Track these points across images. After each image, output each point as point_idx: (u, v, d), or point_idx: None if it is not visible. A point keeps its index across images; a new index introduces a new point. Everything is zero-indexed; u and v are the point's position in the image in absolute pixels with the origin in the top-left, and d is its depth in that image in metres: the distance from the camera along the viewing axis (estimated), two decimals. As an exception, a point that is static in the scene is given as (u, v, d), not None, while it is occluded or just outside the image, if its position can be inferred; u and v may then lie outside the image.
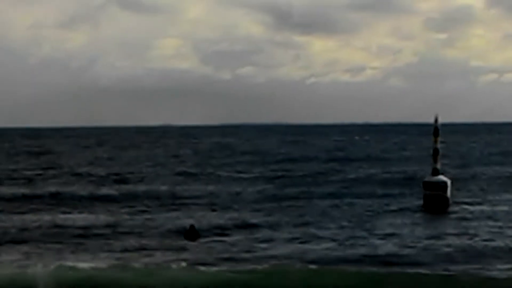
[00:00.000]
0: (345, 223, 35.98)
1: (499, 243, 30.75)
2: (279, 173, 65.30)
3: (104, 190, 52.10)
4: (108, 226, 35.97)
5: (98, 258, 28.21)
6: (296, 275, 25.30)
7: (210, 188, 53.19)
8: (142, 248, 30.20)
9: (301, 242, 31.28)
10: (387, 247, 30.04)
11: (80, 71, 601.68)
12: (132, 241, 31.80)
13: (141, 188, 53.44)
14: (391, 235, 32.72)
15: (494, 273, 25.46)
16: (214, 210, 41.15)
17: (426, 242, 31.19)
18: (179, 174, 66.07)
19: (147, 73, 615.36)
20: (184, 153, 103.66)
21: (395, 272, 25.79)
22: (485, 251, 29.31)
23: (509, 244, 30.42)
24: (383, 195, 47.65)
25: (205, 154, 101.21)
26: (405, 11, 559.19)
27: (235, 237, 32.70)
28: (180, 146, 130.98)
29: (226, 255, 28.68)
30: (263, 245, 30.72)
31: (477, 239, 31.72)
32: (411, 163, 74.72)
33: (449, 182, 41.02)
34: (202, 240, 32.01)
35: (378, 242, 31.13)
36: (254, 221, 37.03)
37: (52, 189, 52.95)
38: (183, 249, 30.13)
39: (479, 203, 43.34)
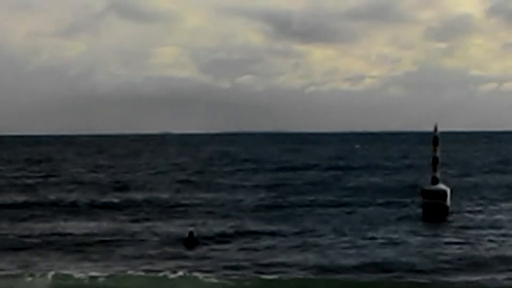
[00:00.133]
0: (345, 232, 35.98)
1: (499, 252, 30.74)
2: (279, 181, 65.31)
3: (104, 198, 52.11)
4: (108, 233, 35.99)
5: (97, 266, 28.22)
6: (295, 284, 25.32)
7: (210, 196, 53.23)
8: (141, 256, 30.21)
9: (301, 251, 31.28)
10: (386, 255, 30.02)
11: (78, 79, 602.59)
12: (131, 249, 31.82)
13: (141, 195, 53.45)
14: (391, 243, 32.73)
15: (494, 282, 25.47)
16: (213, 218, 41.15)
17: (425, 250, 31.20)
18: (179, 182, 66.09)
19: (145, 82, 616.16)
20: (183, 161, 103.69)
21: (395, 281, 25.80)
22: (484, 259, 29.28)
23: (509, 253, 30.42)
24: (383, 203, 47.67)
25: (204, 162, 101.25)
26: (404, 20, 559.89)
27: (234, 245, 32.69)
28: (180, 154, 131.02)
29: (224, 263, 28.68)
30: (262, 253, 30.72)
31: (476, 247, 31.72)
32: (411, 172, 74.78)
33: (448, 191, 41.03)
34: (201, 247, 32.02)
35: (378, 250, 31.13)
36: (253, 229, 37.04)
37: (52, 196, 53.02)
38: (182, 257, 30.13)
39: (479, 212, 43.36)
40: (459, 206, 44.68)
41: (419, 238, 34.25)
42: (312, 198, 51.21)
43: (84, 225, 39.16)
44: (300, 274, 26.64)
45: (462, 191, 52.38)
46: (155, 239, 34.15)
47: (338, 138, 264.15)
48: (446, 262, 28.88)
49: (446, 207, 40.84)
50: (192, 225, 37.28)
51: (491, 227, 37.49)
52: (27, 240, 34.30)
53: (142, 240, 33.95)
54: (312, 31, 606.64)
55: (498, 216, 41.41)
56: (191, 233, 33.32)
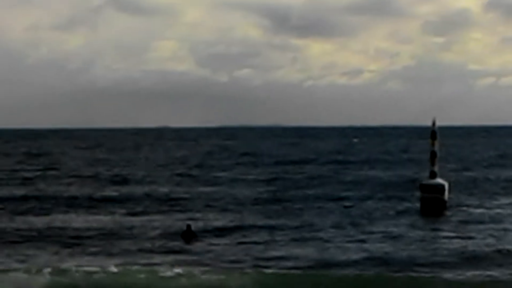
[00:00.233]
0: (343, 225, 36.01)
1: (497, 246, 30.75)
2: (278, 175, 65.32)
3: (103, 192, 52.10)
4: (106, 227, 36.00)
5: (96, 259, 28.23)
6: (294, 278, 25.33)
7: (209, 189, 53.24)
8: (139, 250, 30.23)
9: (300, 244, 31.29)
10: (385, 249, 30.07)
11: (77, 73, 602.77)
12: (130, 242, 31.83)
13: (140, 189, 53.44)
14: (389, 237, 32.75)
15: (492, 276, 25.50)
16: (212, 212, 41.16)
17: (424, 244, 31.24)
18: (178, 175, 66.10)
19: (144, 75, 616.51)
20: (182, 155, 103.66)
21: (393, 275, 25.82)
22: (483, 253, 29.31)
23: (507, 247, 30.44)
24: (382, 197, 47.68)
25: (203, 155, 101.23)
26: (402, 15, 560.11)
27: (232, 239, 32.70)
28: (178, 147, 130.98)
29: (223, 257, 28.70)
30: (261, 247, 30.73)
31: (474, 242, 31.74)
32: (409, 166, 74.75)
33: (446, 185, 41.02)
34: (199, 241, 32.03)
35: (376, 244, 31.15)
36: (252, 222, 37.06)
37: (51, 190, 53.01)
38: (180, 250, 30.16)
39: (477, 206, 43.39)
40: (458, 200, 44.69)
41: (418, 232, 34.28)
42: (311, 192, 51.23)
43: (83, 218, 39.17)
44: (299, 268, 26.65)
45: (461, 185, 52.41)
46: (153, 233, 34.15)
47: (337, 132, 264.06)
48: (445, 256, 28.91)
49: (444, 201, 40.85)
50: (191, 218, 37.29)
51: (490, 221, 37.53)
52: (25, 233, 34.28)
53: (140, 234, 33.96)
54: (310, 25, 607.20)
55: (496, 210, 41.44)
56: (189, 226, 33.32)
